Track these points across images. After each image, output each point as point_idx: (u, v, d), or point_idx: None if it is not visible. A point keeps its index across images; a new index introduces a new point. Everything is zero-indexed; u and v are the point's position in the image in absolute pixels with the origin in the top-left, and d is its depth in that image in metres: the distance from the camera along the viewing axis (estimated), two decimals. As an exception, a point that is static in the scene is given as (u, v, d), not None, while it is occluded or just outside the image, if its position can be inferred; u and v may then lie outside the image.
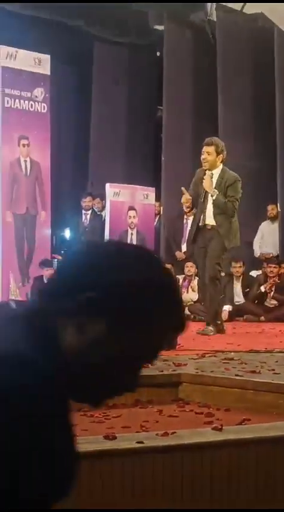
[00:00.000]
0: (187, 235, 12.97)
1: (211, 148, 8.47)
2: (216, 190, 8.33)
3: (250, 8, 13.99)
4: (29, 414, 1.34)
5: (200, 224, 8.44)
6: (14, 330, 1.44)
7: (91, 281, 1.45)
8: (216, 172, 8.47)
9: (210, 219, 8.40)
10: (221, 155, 8.51)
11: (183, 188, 8.64)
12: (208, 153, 8.45)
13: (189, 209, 8.53)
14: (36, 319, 1.46)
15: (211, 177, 8.41)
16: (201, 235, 8.46)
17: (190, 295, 12.09)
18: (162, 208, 13.78)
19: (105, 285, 1.44)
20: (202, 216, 8.43)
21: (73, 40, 14.38)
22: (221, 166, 8.51)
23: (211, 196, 8.35)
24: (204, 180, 8.37)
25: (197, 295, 11.58)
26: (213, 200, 8.35)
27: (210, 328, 8.29)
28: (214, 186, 8.40)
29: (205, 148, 8.50)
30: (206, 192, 8.40)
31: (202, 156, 8.48)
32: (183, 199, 8.62)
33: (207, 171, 8.44)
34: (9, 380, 1.34)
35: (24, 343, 1.40)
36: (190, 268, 12.32)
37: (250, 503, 2.59)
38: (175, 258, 13.08)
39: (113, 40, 14.61)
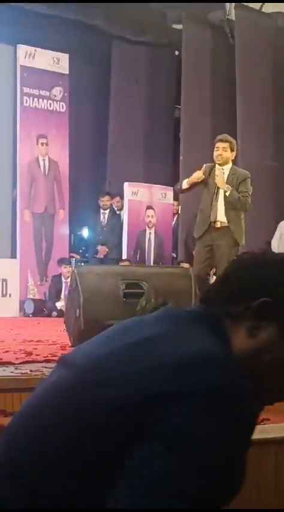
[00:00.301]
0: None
1: (227, 145, 8.43)
2: (230, 186, 8.31)
3: (269, 7, 13.96)
4: (244, 410, 1.38)
5: (211, 221, 8.34)
6: (199, 333, 1.48)
7: (263, 288, 1.52)
8: (227, 168, 8.43)
9: (221, 216, 8.34)
10: (234, 152, 8.51)
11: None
12: (224, 149, 8.38)
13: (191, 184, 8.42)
14: (209, 323, 1.51)
15: (223, 174, 8.36)
16: (208, 233, 8.39)
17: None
18: (180, 207, 13.76)
19: (277, 292, 1.51)
20: (212, 213, 8.36)
21: (92, 39, 14.39)
22: (231, 163, 8.49)
23: (225, 192, 8.31)
24: (216, 177, 8.33)
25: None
26: (227, 195, 8.32)
27: None
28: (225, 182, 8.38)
29: (220, 144, 8.43)
30: (218, 188, 8.37)
31: (218, 152, 8.36)
32: (195, 174, 8.50)
33: (217, 167, 8.39)
34: (224, 379, 1.37)
35: (214, 346, 1.44)
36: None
37: (270, 502, 2.59)
38: (193, 258, 13.05)
39: (132, 39, 14.62)
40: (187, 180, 8.44)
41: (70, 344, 6.18)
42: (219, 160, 8.36)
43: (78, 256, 13.83)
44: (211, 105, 14.27)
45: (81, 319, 5.97)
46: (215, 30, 14.52)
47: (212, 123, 14.16)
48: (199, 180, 8.40)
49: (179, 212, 13.81)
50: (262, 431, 2.81)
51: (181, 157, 13.83)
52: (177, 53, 15.14)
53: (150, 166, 14.66)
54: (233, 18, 14.11)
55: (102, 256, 13.23)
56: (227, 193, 8.26)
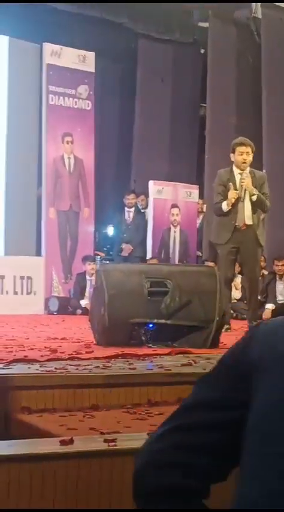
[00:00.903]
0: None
1: (250, 149, 8.49)
2: (256, 190, 8.33)
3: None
4: None
5: (237, 224, 8.36)
6: None
7: None
8: (247, 172, 8.44)
9: (248, 219, 8.38)
10: (252, 155, 8.51)
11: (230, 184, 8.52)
12: (248, 153, 8.43)
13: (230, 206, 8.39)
14: None
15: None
16: (234, 236, 8.40)
17: (233, 293, 12.04)
18: (205, 206, 13.74)
19: None
20: (238, 216, 8.35)
21: (117, 37, 14.40)
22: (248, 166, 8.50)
23: (252, 195, 8.32)
24: (243, 180, 8.33)
25: (240, 294, 11.54)
26: (254, 199, 8.32)
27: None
28: None
29: (244, 149, 8.44)
30: (245, 192, 8.37)
31: (243, 157, 8.39)
32: (232, 195, 8.42)
33: (243, 171, 8.38)
34: None
35: None
36: (232, 266, 12.27)
37: None
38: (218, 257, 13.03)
39: (157, 37, 14.60)
40: (226, 202, 8.36)
41: (94, 342, 6.19)
42: (246, 164, 8.38)
43: (103, 254, 13.85)
44: (236, 104, 14.24)
45: (106, 317, 5.98)
46: (241, 28, 14.49)
47: (237, 122, 14.13)
48: (236, 197, 8.35)
49: (204, 211, 13.78)
50: None
51: (206, 156, 13.81)
52: (202, 51, 15.11)
53: (175, 165, 14.64)
54: (260, 17, 14.07)
55: (126, 255, 13.23)
56: (254, 197, 8.27)
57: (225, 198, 8.34)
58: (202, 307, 6.15)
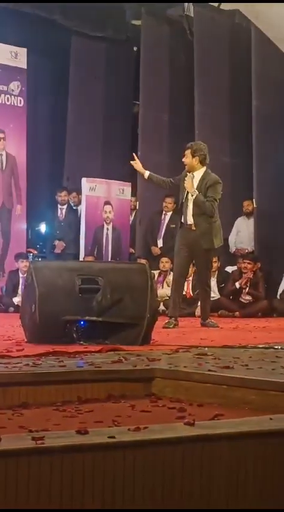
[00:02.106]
0: (163, 230, 12.99)
1: (188, 152, 8.93)
2: (196, 191, 8.60)
3: (227, 4, 13.98)
4: None
5: (182, 221, 8.88)
6: None
7: None
8: (198, 174, 8.90)
9: (190, 219, 8.78)
10: (197, 157, 8.85)
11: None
12: (185, 155, 8.92)
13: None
14: None
15: (192, 179, 8.79)
16: (183, 234, 8.88)
17: (165, 290, 12.10)
18: (137, 203, 13.78)
19: None
20: (183, 215, 8.86)
21: (50, 34, 14.34)
22: (204, 168, 8.91)
23: (191, 196, 8.59)
24: (185, 180, 8.76)
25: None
26: (193, 199, 8.65)
27: (213, 321, 8.98)
28: (195, 187, 8.79)
29: (184, 153, 8.97)
30: (187, 192, 8.78)
31: (183, 159, 8.96)
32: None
33: (188, 173, 8.86)
34: None
35: None
36: (165, 263, 12.35)
37: (221, 498, 2.60)
38: (151, 253, 13.09)
39: (90, 34, 14.57)
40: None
41: (25, 339, 6.16)
42: (187, 166, 8.93)
43: (36, 252, 13.79)
44: (169, 102, 14.29)
45: (37, 315, 5.95)
46: (174, 26, 14.55)
47: (170, 120, 14.20)
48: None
49: (137, 208, 13.81)
50: (214, 427, 2.81)
51: (138, 153, 13.82)
52: (135, 48, 15.13)
53: (107, 162, 14.64)
54: (192, 15, 14.13)
55: (59, 252, 13.22)
56: (193, 197, 8.60)
57: (172, 183, 9.06)
58: (134, 304, 6.16)
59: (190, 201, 8.73)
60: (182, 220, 8.86)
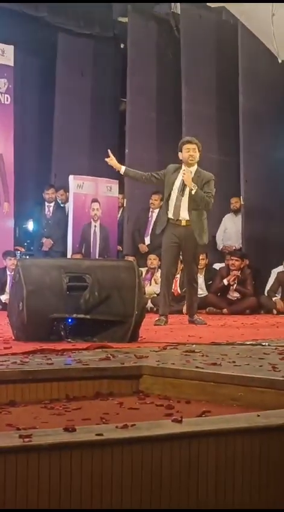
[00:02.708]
0: (151, 228, 12.99)
1: (196, 146, 8.82)
2: (196, 185, 8.56)
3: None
4: None
5: (171, 217, 8.68)
6: None
7: None
8: (193, 170, 8.78)
9: (184, 214, 8.66)
10: (199, 153, 8.85)
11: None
12: (194, 150, 8.78)
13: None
14: None
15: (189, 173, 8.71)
16: (172, 230, 8.73)
17: (153, 287, 12.11)
18: (125, 200, 13.76)
19: None
20: (174, 210, 8.68)
21: (37, 31, 14.30)
22: (196, 165, 8.76)
23: (191, 190, 8.53)
24: (183, 175, 8.66)
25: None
26: (193, 194, 8.59)
27: (201, 318, 8.94)
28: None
29: (190, 146, 8.80)
30: (184, 187, 8.65)
31: (189, 153, 8.74)
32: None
33: (185, 167, 8.71)
34: None
35: None
36: (153, 260, 12.35)
37: (209, 494, 2.60)
38: (139, 251, 13.09)
39: (77, 32, 14.54)
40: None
41: (13, 337, 6.15)
42: (192, 161, 8.76)
43: (23, 249, 13.75)
44: (156, 99, 14.29)
45: (25, 313, 5.95)
46: (161, 23, 14.53)
47: (157, 117, 14.19)
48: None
49: (124, 205, 13.80)
50: (202, 424, 2.82)
51: (126, 151, 13.83)
52: (122, 45, 15.12)
53: (95, 159, 14.59)
54: (179, 12, 14.13)
55: (47, 249, 13.20)
56: (193, 192, 8.55)
57: (154, 178, 8.91)
58: (121, 301, 6.17)
59: (186, 195, 8.62)
60: (170, 216, 8.69)
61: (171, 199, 8.71)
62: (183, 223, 8.66)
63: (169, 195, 8.72)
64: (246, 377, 3.87)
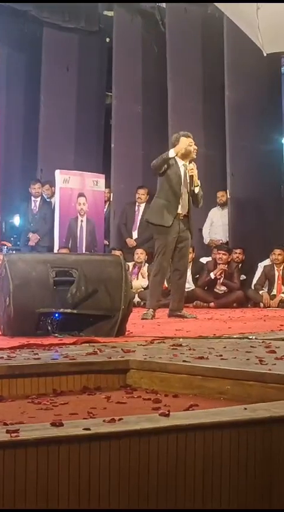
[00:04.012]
0: (138, 222, 12.99)
1: (192, 140, 8.85)
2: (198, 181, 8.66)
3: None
4: None
5: (180, 212, 8.70)
6: None
7: None
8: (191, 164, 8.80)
9: (185, 208, 8.73)
10: None
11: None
12: (193, 143, 8.83)
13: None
14: None
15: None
16: (177, 225, 8.71)
17: (140, 282, 12.11)
18: (111, 194, 13.76)
19: None
20: (182, 204, 8.71)
21: (22, 25, 14.28)
22: None
23: (196, 186, 8.67)
24: (190, 170, 8.68)
25: (147, 282, 11.59)
26: (198, 191, 8.72)
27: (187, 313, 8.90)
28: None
29: (191, 140, 8.81)
30: (186, 182, 8.72)
31: (193, 147, 8.79)
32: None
33: (189, 163, 8.76)
34: None
35: None
36: (140, 255, 12.36)
37: (196, 488, 2.61)
38: (126, 245, 13.09)
39: (62, 26, 14.51)
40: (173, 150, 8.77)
41: (0, 332, 6.15)
42: (195, 155, 8.81)
43: (10, 244, 13.74)
44: (142, 93, 14.27)
45: (11, 307, 5.94)
46: (146, 17, 14.51)
47: (143, 111, 14.18)
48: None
49: (111, 199, 13.80)
50: (189, 417, 2.82)
51: (112, 145, 13.82)
52: (108, 39, 15.10)
53: (81, 154, 14.60)
54: (164, 6, 14.11)
55: (33, 244, 13.19)
56: (197, 189, 8.64)
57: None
58: (108, 296, 6.17)
59: (186, 190, 8.68)
60: (179, 210, 8.69)
61: (181, 193, 8.68)
62: (183, 217, 8.70)
63: (180, 189, 8.68)
64: (233, 370, 3.87)
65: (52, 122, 14.50)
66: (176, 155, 8.68)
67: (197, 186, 8.69)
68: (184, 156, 8.72)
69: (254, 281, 12.04)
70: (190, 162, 8.78)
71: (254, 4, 9.14)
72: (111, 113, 14.22)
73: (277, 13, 9.03)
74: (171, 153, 8.67)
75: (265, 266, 11.98)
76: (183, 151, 8.72)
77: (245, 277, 12.30)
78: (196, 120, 13.50)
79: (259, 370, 3.85)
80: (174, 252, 8.76)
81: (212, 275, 11.94)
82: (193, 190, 8.71)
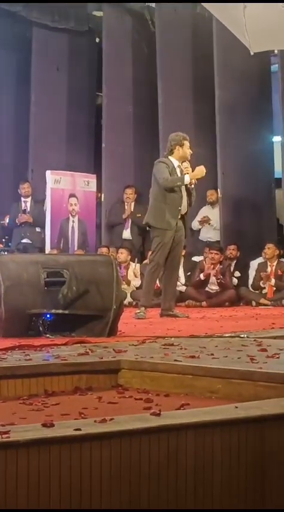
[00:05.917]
0: (130, 221, 12.99)
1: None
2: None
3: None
4: None
5: (181, 213, 8.77)
6: None
7: None
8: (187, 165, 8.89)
9: (185, 209, 8.81)
10: None
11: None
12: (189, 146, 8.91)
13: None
14: None
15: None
16: (177, 225, 8.79)
17: (132, 281, 12.10)
18: (103, 195, 13.76)
19: None
20: (183, 205, 8.77)
21: (11, 26, 14.25)
22: None
23: (192, 186, 8.73)
24: (189, 169, 8.74)
25: (140, 281, 11.60)
26: (193, 189, 8.77)
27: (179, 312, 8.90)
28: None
29: (189, 143, 8.92)
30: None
31: (190, 150, 8.89)
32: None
33: (182, 162, 8.82)
34: None
35: None
36: (120, 254, 12.33)
37: (188, 487, 2.61)
38: (113, 242, 13.08)
39: (52, 26, 14.51)
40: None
41: (-9, 334, 6.13)
42: (188, 157, 8.89)
43: (1, 245, 13.72)
44: (132, 92, 14.28)
45: (3, 309, 5.94)
46: (136, 17, 14.52)
47: (134, 111, 14.19)
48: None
49: (102, 200, 13.80)
50: (181, 416, 2.82)
51: (103, 145, 13.82)
52: (97, 39, 15.10)
53: (72, 154, 14.60)
54: (153, 5, 14.12)
55: (19, 223, 13.16)
56: (192, 186, 8.69)
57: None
58: (100, 296, 6.16)
59: (184, 189, 8.73)
60: (182, 211, 8.78)
61: (182, 195, 8.73)
62: (180, 217, 8.77)
63: (181, 190, 8.72)
64: (224, 369, 3.87)
65: (42, 122, 14.49)
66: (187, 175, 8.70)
67: (192, 184, 8.72)
68: (181, 157, 8.77)
69: (250, 281, 12.03)
70: (183, 162, 8.81)
71: (241, 4, 9.15)
72: (102, 112, 14.22)
73: (264, 12, 9.03)
74: (187, 179, 8.66)
75: (259, 264, 11.98)
76: (184, 154, 8.79)
77: (240, 274, 12.31)
78: (187, 119, 13.51)
79: (250, 368, 3.85)
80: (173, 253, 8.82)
81: (202, 276, 11.92)
82: (190, 190, 8.73)
